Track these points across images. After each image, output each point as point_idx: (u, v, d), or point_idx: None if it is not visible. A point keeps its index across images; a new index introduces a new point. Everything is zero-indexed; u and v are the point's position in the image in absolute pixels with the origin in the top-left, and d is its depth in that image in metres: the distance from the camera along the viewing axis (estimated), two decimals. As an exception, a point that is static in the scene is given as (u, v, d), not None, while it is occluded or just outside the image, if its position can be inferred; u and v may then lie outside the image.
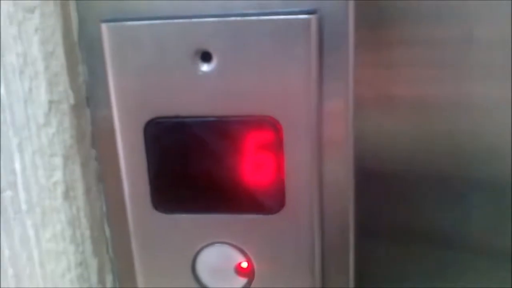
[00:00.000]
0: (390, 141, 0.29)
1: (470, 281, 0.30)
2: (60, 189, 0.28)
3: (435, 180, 0.29)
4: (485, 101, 0.28)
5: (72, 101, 0.28)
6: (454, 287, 0.30)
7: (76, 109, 0.28)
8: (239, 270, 0.29)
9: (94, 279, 0.30)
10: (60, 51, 0.27)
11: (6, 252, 0.30)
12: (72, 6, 0.27)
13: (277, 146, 0.26)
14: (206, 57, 0.26)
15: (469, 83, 0.27)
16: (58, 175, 0.28)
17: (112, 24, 0.26)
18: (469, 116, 0.28)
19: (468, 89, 0.28)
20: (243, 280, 0.29)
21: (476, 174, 0.29)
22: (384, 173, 0.30)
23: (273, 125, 0.26)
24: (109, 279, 0.31)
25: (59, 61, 0.27)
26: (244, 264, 0.28)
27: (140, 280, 0.29)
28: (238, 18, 0.25)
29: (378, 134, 0.29)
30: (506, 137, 0.28)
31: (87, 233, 0.29)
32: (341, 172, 0.28)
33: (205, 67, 0.26)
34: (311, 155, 0.27)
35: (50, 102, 0.27)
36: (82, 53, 0.28)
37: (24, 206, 0.29)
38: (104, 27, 0.26)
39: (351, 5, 0.26)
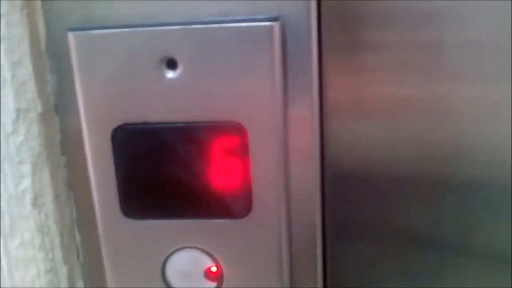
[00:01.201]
0: (365, 145, 0.29)
1: (448, 282, 0.31)
2: (28, 197, 0.28)
3: (411, 182, 0.30)
4: (458, 103, 0.28)
5: (40, 109, 0.28)
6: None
7: (44, 117, 0.28)
8: (208, 274, 0.29)
9: (64, 286, 0.30)
10: (27, 60, 0.27)
11: (-25, 261, 0.30)
12: (39, 15, 0.27)
13: (243, 151, 0.27)
14: (171, 64, 0.26)
15: (442, 85, 0.28)
16: (26, 183, 0.28)
17: (79, 32, 0.27)
18: (442, 118, 0.28)
19: (440, 91, 0.28)
20: (212, 284, 0.29)
21: (451, 175, 0.29)
22: (360, 177, 0.30)
23: (239, 130, 0.26)
24: (79, 286, 0.31)
25: (27, 70, 0.27)
26: (214, 269, 0.29)
27: (110, 286, 0.30)
28: (203, 26, 0.26)
29: (353, 138, 0.30)
30: (480, 139, 0.28)
31: (57, 240, 0.30)
32: (308, 175, 0.28)
33: (170, 74, 0.26)
34: (277, 159, 0.27)
35: (18, 110, 0.27)
36: (50, 62, 0.28)
37: (-8, 214, 0.29)
38: (71, 35, 0.27)
39: (314, 11, 0.26)
